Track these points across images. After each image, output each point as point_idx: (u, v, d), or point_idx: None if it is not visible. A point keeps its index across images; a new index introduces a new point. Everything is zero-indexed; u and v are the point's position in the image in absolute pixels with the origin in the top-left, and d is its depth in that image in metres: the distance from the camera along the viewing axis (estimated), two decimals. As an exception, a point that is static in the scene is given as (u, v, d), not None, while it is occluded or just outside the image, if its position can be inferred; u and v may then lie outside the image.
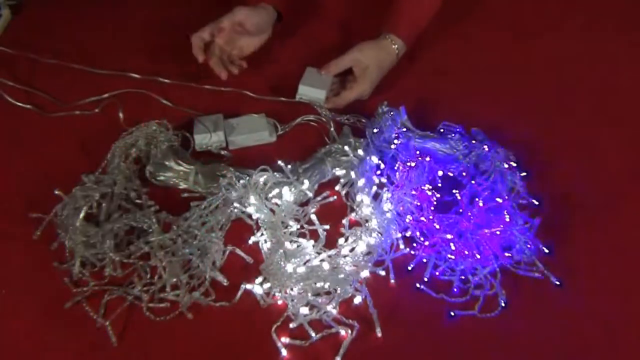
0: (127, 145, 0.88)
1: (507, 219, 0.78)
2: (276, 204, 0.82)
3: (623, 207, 0.85)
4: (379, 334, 0.71)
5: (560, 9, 1.19)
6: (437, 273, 0.76)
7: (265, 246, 0.78)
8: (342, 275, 0.74)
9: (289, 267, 0.74)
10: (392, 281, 0.76)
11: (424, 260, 0.78)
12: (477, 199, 0.81)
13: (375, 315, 0.72)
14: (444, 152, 0.88)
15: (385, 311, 0.73)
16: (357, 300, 0.73)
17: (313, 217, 0.81)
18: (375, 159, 0.85)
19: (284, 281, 0.73)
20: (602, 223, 0.83)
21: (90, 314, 0.72)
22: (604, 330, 0.72)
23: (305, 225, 0.81)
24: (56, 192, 0.81)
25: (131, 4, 1.20)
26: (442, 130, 0.91)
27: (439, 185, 0.85)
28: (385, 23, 0.98)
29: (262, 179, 0.83)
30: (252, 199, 0.81)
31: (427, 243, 0.78)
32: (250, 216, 0.82)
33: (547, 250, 0.78)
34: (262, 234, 0.80)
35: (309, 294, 0.73)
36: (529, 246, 0.77)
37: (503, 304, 0.73)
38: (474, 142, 0.87)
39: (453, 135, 0.89)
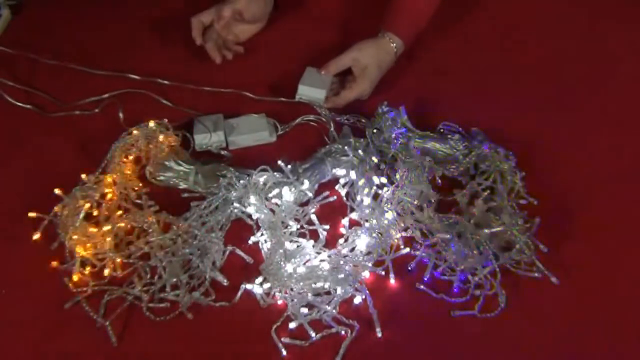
0: (127, 145, 0.88)
1: (507, 219, 0.78)
2: (276, 204, 0.82)
3: (623, 207, 0.85)
4: (379, 334, 0.71)
5: (560, 9, 1.19)
6: (437, 273, 0.76)
7: (265, 246, 0.78)
8: (342, 275, 0.74)
9: (289, 267, 0.74)
10: (392, 281, 0.76)
11: (424, 260, 0.78)
12: (477, 199, 0.81)
13: (375, 315, 0.72)
14: (444, 152, 0.88)
15: (385, 311, 0.73)
16: (357, 300, 0.73)
17: (313, 217, 0.81)
18: (375, 159, 0.85)
19: (284, 281, 0.73)
20: (602, 223, 0.83)
21: (90, 314, 0.72)
22: (604, 330, 0.72)
23: (305, 225, 0.81)
24: (56, 192, 0.81)
25: (131, 4, 1.20)
26: (442, 130, 0.91)
27: (439, 185, 0.85)
28: (384, 22, 0.98)
29: (262, 179, 0.83)
30: (252, 199, 0.81)
31: (427, 243, 0.78)
32: (250, 216, 0.82)
33: (547, 250, 0.78)
34: (262, 234, 0.80)
35: (309, 294, 0.73)
36: (529, 246, 0.77)
37: (503, 304, 0.73)
38: (474, 142, 0.87)
39: (453, 135, 0.89)
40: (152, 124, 0.89)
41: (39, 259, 0.78)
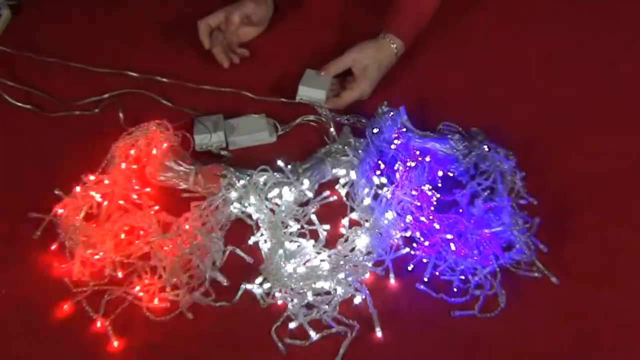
0: (127, 145, 0.88)
1: (507, 219, 0.78)
2: (276, 204, 0.82)
3: (623, 207, 0.85)
4: (379, 334, 0.71)
5: (560, 9, 1.19)
6: (437, 273, 0.76)
7: (265, 246, 0.78)
8: (342, 275, 0.74)
9: (289, 267, 0.74)
10: (392, 281, 0.76)
11: (424, 260, 0.77)
12: (477, 199, 0.81)
13: (375, 315, 0.72)
14: (444, 152, 0.88)
15: (385, 311, 0.73)
16: (357, 300, 0.73)
17: (313, 217, 0.81)
18: (375, 159, 0.85)
19: (284, 281, 0.73)
20: (602, 223, 0.83)
21: (90, 314, 0.72)
22: (604, 330, 0.72)
23: (305, 225, 0.81)
24: (56, 192, 0.81)
25: (131, 4, 1.20)
26: (442, 130, 0.91)
27: (439, 185, 0.85)
28: (384, 22, 0.98)
29: (262, 179, 0.83)
30: (252, 199, 0.81)
31: (427, 243, 0.78)
32: (250, 216, 0.82)
33: (547, 250, 0.78)
34: (262, 234, 0.80)
35: (309, 294, 0.73)
36: (529, 246, 0.77)
37: (503, 304, 0.73)
38: (474, 142, 0.87)
39: (453, 135, 0.89)
40: (152, 124, 0.89)
41: (39, 259, 0.78)
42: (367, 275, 0.76)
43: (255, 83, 1.01)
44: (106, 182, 0.82)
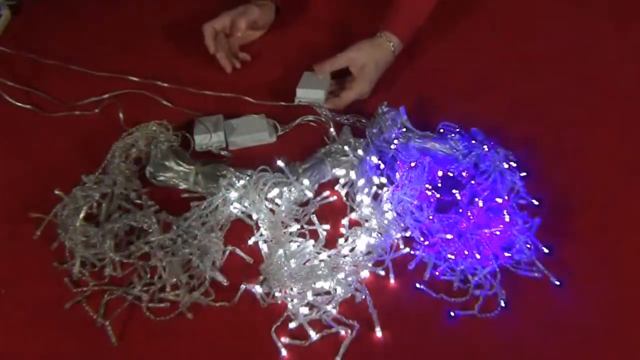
0: (127, 146, 0.88)
1: (507, 219, 0.78)
2: (276, 204, 0.82)
3: (623, 207, 0.85)
4: (379, 334, 0.71)
5: (560, 8, 1.19)
6: (437, 273, 0.76)
7: (265, 246, 0.78)
8: (342, 275, 0.74)
9: (289, 267, 0.74)
10: (392, 281, 0.76)
11: (424, 260, 0.78)
12: (477, 199, 0.81)
13: (375, 315, 0.72)
14: (444, 152, 0.88)
15: (385, 311, 0.73)
16: (357, 300, 0.73)
17: (313, 217, 0.81)
18: (375, 159, 0.85)
19: (284, 281, 0.73)
20: (602, 223, 0.83)
21: (90, 314, 0.72)
22: (604, 330, 0.72)
23: (305, 225, 0.81)
24: (56, 192, 0.81)
25: (131, 5, 1.20)
26: (442, 130, 0.91)
27: (439, 185, 0.85)
28: (381, 21, 0.98)
29: (262, 179, 0.83)
30: (252, 199, 0.81)
31: (427, 243, 0.78)
32: (250, 216, 0.82)
33: (547, 250, 0.78)
34: (262, 234, 0.80)
35: (309, 294, 0.73)
36: (528, 246, 0.77)
37: (503, 304, 0.73)
38: (474, 142, 0.87)
39: (453, 135, 0.89)
40: (152, 124, 0.89)
41: (39, 259, 0.78)
42: (367, 275, 0.76)
43: (256, 85, 1.01)
44: (106, 182, 0.82)
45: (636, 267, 0.78)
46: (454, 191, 0.84)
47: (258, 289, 0.74)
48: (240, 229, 0.81)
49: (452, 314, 0.73)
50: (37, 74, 1.03)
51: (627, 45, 1.12)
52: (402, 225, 0.80)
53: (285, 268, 0.74)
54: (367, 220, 0.80)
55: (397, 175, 0.84)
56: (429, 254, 0.78)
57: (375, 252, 0.77)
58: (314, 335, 0.70)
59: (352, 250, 0.78)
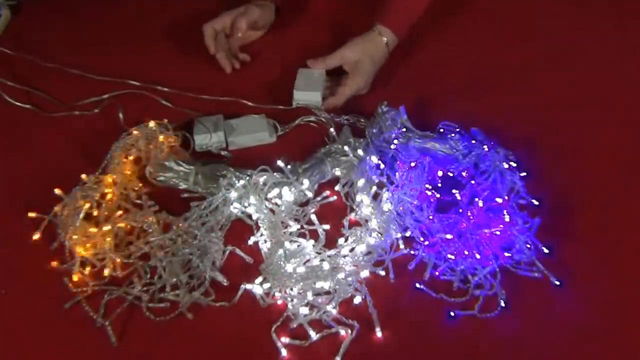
0: (127, 146, 0.88)
1: (507, 219, 0.78)
2: (276, 204, 0.82)
3: (623, 207, 0.85)
4: (379, 334, 0.71)
5: (560, 8, 1.19)
6: (437, 273, 0.76)
7: (265, 246, 0.78)
8: (342, 275, 0.74)
9: (289, 267, 0.74)
10: (392, 281, 0.76)
11: (424, 260, 0.78)
12: (477, 199, 0.81)
13: (375, 315, 0.72)
14: (444, 152, 0.88)
15: (385, 311, 0.73)
16: (357, 300, 0.73)
17: (313, 217, 0.81)
18: (375, 159, 0.85)
19: (284, 281, 0.73)
20: (602, 223, 0.83)
21: (90, 314, 0.72)
22: (604, 330, 0.72)
23: (305, 225, 0.81)
24: (56, 192, 0.81)
25: (131, 5, 1.20)
26: (442, 130, 0.91)
27: (439, 185, 0.85)
28: (375, 15, 0.98)
29: (262, 179, 0.83)
30: (252, 199, 0.81)
31: (427, 243, 0.78)
32: (250, 216, 0.82)
33: (547, 250, 0.78)
34: (262, 234, 0.80)
35: (309, 294, 0.73)
36: (528, 246, 0.77)
37: (503, 304, 0.73)
38: (474, 142, 0.87)
39: (453, 135, 0.89)
40: (152, 124, 0.89)
41: (39, 259, 0.78)
42: (367, 275, 0.75)
43: (255, 85, 1.01)
44: (106, 182, 0.82)
45: (636, 267, 0.78)
46: (454, 191, 0.84)
47: (258, 289, 0.74)
48: (240, 229, 0.81)
49: (452, 314, 0.73)
50: (37, 73, 1.03)
51: (627, 45, 1.12)
52: (402, 225, 0.80)
53: (285, 268, 0.74)
54: (367, 220, 0.80)
55: (397, 175, 0.84)
56: (429, 254, 0.78)
57: (375, 252, 0.77)
58: (314, 335, 0.70)
59: (352, 250, 0.78)
